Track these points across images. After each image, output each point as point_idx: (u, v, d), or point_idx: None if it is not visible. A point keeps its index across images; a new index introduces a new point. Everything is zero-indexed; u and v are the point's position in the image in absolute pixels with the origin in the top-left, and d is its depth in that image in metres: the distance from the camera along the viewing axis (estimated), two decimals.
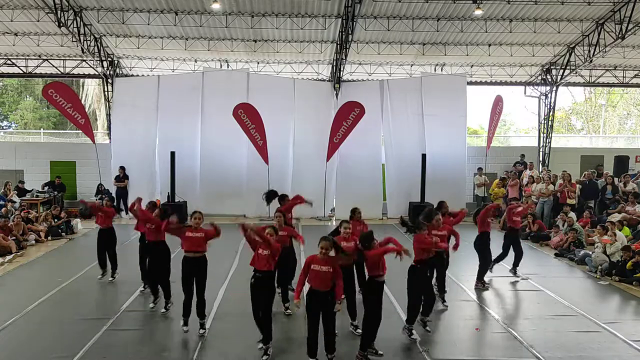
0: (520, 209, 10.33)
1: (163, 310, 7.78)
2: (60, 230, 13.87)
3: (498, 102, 16.97)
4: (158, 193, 16.54)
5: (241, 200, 16.74)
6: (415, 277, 6.80)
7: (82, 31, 15.21)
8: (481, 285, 9.34)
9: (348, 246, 6.74)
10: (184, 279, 6.91)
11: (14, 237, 12.08)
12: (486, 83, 19.49)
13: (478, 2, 13.74)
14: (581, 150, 20.17)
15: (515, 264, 10.07)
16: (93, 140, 15.78)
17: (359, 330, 6.75)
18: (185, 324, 6.95)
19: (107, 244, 9.50)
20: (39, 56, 17.64)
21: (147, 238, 8.13)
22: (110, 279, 9.51)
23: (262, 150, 15.81)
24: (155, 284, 7.95)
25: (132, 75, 18.42)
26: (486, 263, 9.34)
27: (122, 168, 16.36)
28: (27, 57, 17.72)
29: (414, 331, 6.92)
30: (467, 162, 17.83)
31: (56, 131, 26.78)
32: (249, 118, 15.59)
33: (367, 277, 6.34)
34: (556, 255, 12.05)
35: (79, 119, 15.09)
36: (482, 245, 9.23)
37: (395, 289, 8.01)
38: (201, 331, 6.96)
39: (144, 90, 16.72)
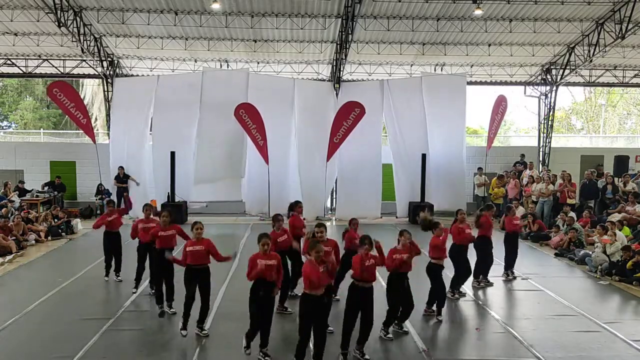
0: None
1: (164, 309, 7.76)
2: (60, 230, 13.86)
3: (501, 102, 16.82)
4: (153, 193, 16.52)
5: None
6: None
7: (82, 31, 15.21)
8: (485, 282, 9.44)
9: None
10: (187, 283, 6.91)
11: (14, 237, 12.08)
12: (486, 83, 19.49)
13: (478, 2, 13.73)
14: (581, 150, 20.16)
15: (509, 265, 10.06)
16: (94, 140, 15.79)
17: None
18: (184, 327, 6.90)
19: (114, 246, 9.43)
20: (39, 56, 17.63)
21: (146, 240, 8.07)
22: (117, 278, 9.51)
23: (263, 150, 15.80)
24: (161, 290, 7.77)
25: (132, 75, 18.42)
26: (487, 264, 9.37)
27: (122, 168, 16.34)
28: (27, 57, 17.72)
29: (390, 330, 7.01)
30: (467, 162, 17.79)
31: (56, 131, 26.76)
32: (250, 118, 15.58)
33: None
34: (556, 255, 12.05)
35: (81, 119, 15.15)
36: (481, 246, 9.24)
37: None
38: (203, 332, 6.96)
39: (144, 90, 16.67)
